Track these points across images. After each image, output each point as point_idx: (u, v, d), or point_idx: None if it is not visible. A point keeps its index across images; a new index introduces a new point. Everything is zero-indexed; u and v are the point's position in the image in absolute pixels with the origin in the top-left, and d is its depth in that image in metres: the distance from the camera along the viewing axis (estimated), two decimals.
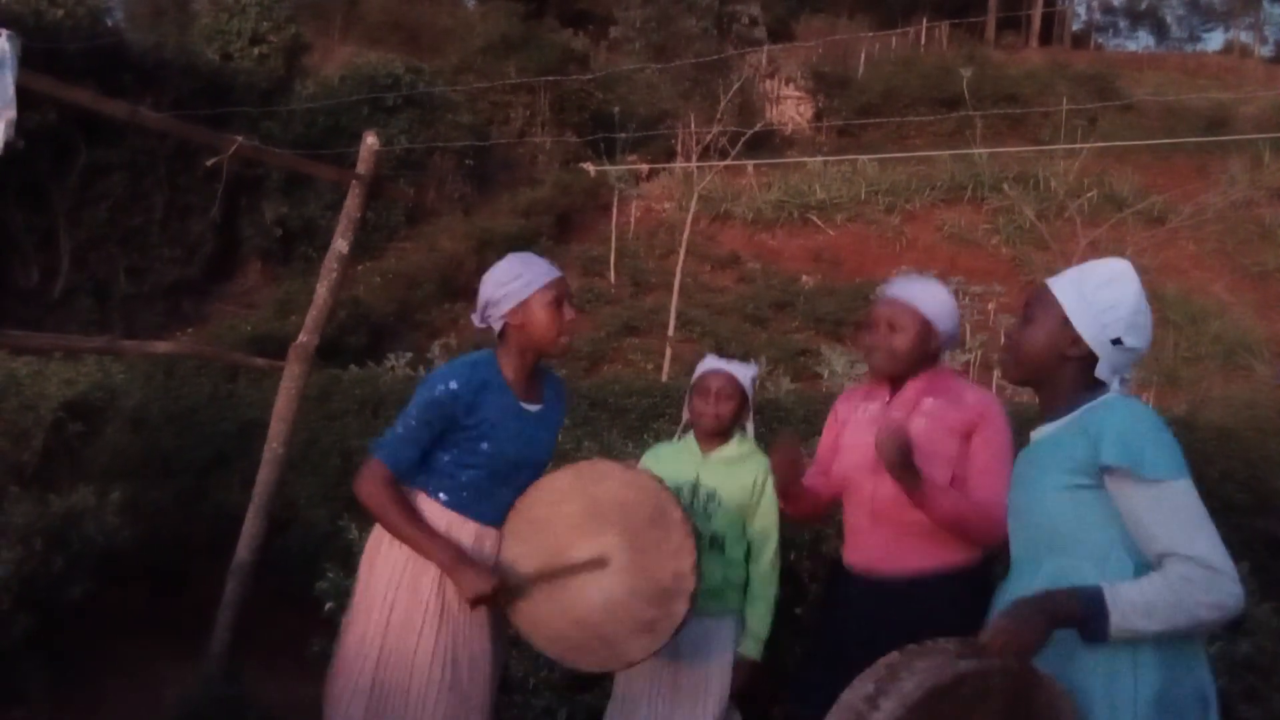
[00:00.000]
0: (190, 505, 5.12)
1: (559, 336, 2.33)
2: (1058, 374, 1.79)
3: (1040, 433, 1.83)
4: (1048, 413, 1.82)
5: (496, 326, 2.36)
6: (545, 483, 2.33)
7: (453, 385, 2.25)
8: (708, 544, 2.67)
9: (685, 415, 2.85)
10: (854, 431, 2.46)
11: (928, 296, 2.38)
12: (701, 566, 2.21)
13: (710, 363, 2.80)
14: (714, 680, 2.63)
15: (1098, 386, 1.76)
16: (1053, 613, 1.58)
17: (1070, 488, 1.70)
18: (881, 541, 2.34)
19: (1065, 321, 1.76)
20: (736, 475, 2.72)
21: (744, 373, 2.77)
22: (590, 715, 2.98)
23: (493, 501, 2.32)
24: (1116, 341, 1.73)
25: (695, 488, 2.72)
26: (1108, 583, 1.60)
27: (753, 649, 2.67)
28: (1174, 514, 1.60)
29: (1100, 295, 1.75)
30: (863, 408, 2.50)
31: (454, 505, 2.29)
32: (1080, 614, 1.58)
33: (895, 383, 2.42)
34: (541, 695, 3.04)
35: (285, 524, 4.73)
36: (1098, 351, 1.74)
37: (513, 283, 2.31)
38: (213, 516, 4.77)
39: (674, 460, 2.78)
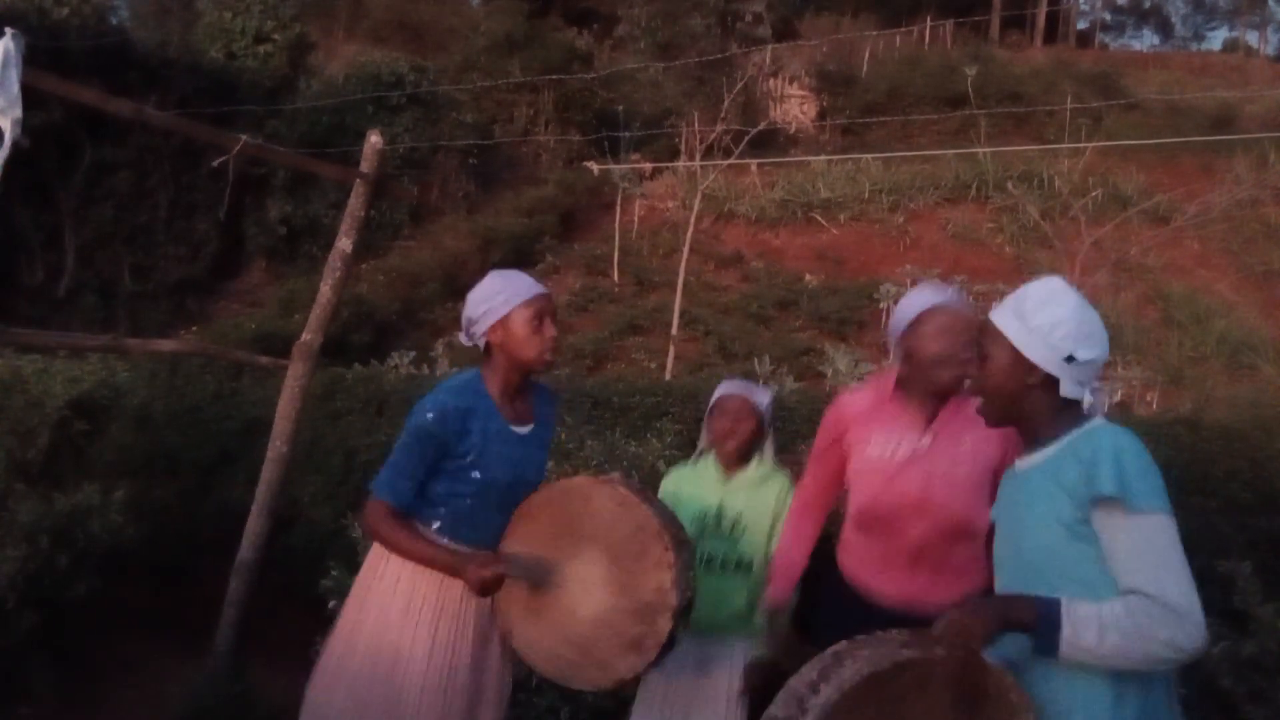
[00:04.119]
0: (194, 503, 5.13)
1: (540, 353, 2.29)
2: (1027, 404, 1.76)
3: (1027, 462, 1.80)
4: (1030, 444, 1.80)
5: (480, 344, 2.34)
6: (525, 504, 2.31)
7: (438, 413, 2.21)
8: (733, 567, 2.68)
9: (703, 441, 2.84)
10: (893, 470, 2.33)
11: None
12: (690, 583, 2.17)
13: (728, 385, 2.82)
14: (738, 696, 2.62)
15: (1074, 408, 1.75)
16: (1006, 614, 1.58)
17: (1064, 520, 1.66)
18: (923, 581, 2.29)
19: (1016, 352, 1.74)
20: (759, 497, 2.72)
21: (761, 397, 2.78)
22: (593, 714, 2.99)
23: (488, 527, 2.29)
24: (1070, 359, 1.71)
25: (720, 511, 2.71)
26: (1067, 598, 1.59)
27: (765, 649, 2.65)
28: (1151, 550, 1.58)
29: (1040, 317, 1.72)
30: (890, 440, 2.36)
31: (448, 531, 2.26)
32: (1034, 621, 1.57)
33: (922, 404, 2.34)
34: (545, 694, 3.04)
35: (289, 522, 4.73)
36: (1055, 373, 1.72)
37: (492, 299, 2.28)
38: (217, 514, 4.77)
39: (695, 484, 2.78)
